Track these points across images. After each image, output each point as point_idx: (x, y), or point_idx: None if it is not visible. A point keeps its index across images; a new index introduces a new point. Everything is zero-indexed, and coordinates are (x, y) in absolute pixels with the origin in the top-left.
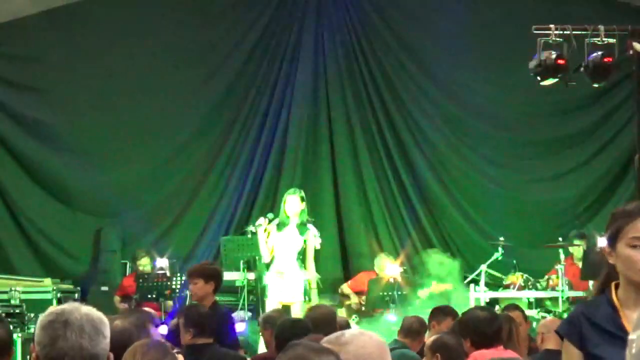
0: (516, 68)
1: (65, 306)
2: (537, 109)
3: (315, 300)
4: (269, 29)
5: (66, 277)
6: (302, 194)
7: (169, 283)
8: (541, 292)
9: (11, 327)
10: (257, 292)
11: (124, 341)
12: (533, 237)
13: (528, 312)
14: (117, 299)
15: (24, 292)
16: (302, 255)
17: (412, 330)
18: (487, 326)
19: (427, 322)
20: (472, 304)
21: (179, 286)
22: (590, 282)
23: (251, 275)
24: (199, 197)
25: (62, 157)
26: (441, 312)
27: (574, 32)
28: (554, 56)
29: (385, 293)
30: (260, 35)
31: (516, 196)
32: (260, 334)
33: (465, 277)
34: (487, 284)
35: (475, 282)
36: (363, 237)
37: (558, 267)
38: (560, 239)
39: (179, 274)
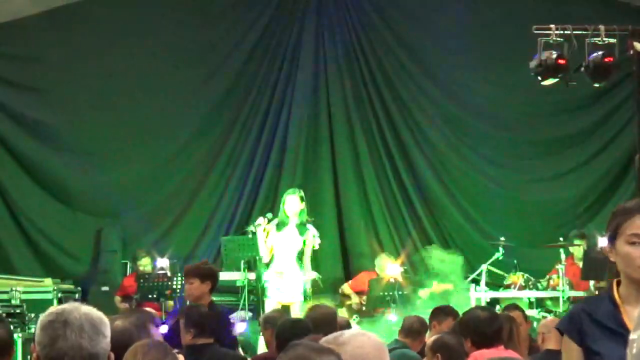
0: (516, 68)
1: (65, 306)
2: (537, 109)
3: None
4: (269, 28)
5: (67, 277)
6: (302, 193)
7: (169, 283)
8: (542, 292)
9: (12, 327)
10: (257, 292)
11: (125, 341)
12: (533, 237)
13: (529, 312)
14: (117, 299)
15: (24, 292)
16: (301, 256)
17: (412, 330)
18: (488, 326)
19: (427, 322)
20: (472, 304)
21: (179, 286)
22: (591, 282)
23: (252, 275)
24: (199, 197)
25: (62, 157)
26: (442, 312)
27: (574, 32)
28: (554, 56)
29: (385, 293)
30: (261, 35)
31: (516, 196)
32: (261, 334)
33: (466, 277)
34: (487, 284)
35: (476, 282)
36: (363, 237)
37: (559, 267)
38: (560, 239)
39: (179, 274)
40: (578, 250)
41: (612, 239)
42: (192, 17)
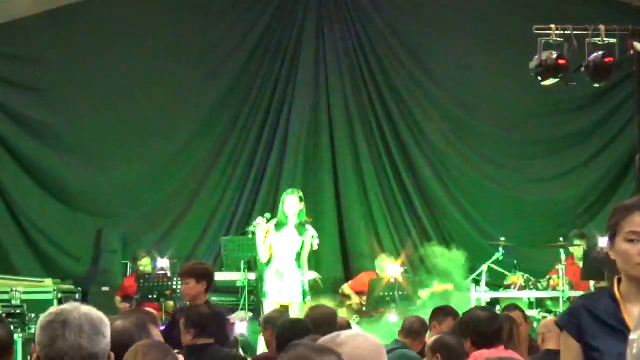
0: (517, 68)
1: (65, 306)
2: (537, 109)
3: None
4: (269, 28)
5: (67, 277)
6: (301, 194)
7: (169, 283)
8: (542, 292)
9: (12, 327)
10: (257, 293)
11: (125, 341)
12: (534, 237)
13: (529, 313)
14: (118, 299)
15: (24, 293)
16: (300, 256)
17: (412, 330)
18: (488, 326)
19: (428, 322)
20: (473, 304)
21: (179, 286)
22: (591, 282)
23: (252, 276)
24: (199, 198)
25: (62, 157)
26: (442, 312)
27: (574, 32)
28: (554, 56)
29: (386, 293)
30: (261, 35)
31: (517, 196)
32: (261, 334)
33: (468, 276)
34: (488, 284)
35: (476, 282)
36: (364, 237)
37: (559, 267)
38: (561, 239)
39: None
40: (578, 250)
41: (612, 237)
42: (192, 17)
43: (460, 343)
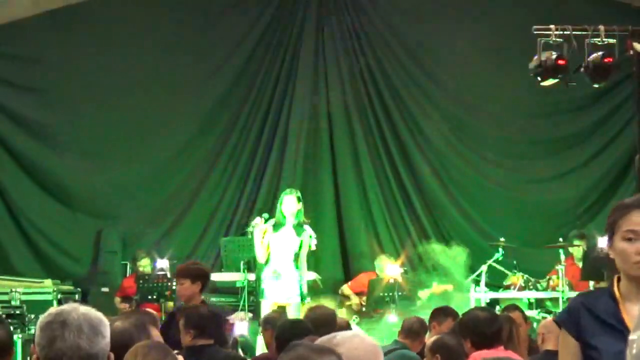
0: (517, 68)
1: (64, 307)
2: (537, 109)
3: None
4: (270, 27)
5: (66, 278)
6: (299, 194)
7: (169, 284)
8: (541, 292)
9: (12, 328)
10: (256, 293)
11: (125, 342)
12: (533, 238)
13: (528, 313)
14: (117, 299)
15: (24, 293)
16: (297, 256)
17: (412, 331)
18: (487, 327)
19: (427, 322)
20: (472, 305)
21: None
22: (591, 283)
23: (252, 276)
24: (199, 198)
25: (62, 157)
26: (442, 312)
27: (574, 33)
28: (554, 56)
29: (385, 294)
30: (261, 34)
31: (516, 196)
32: (261, 334)
33: (469, 275)
34: (487, 285)
35: (476, 282)
36: (363, 237)
37: (558, 267)
38: (560, 239)
39: None
40: (578, 250)
41: (610, 236)
42: (192, 17)
43: (459, 343)
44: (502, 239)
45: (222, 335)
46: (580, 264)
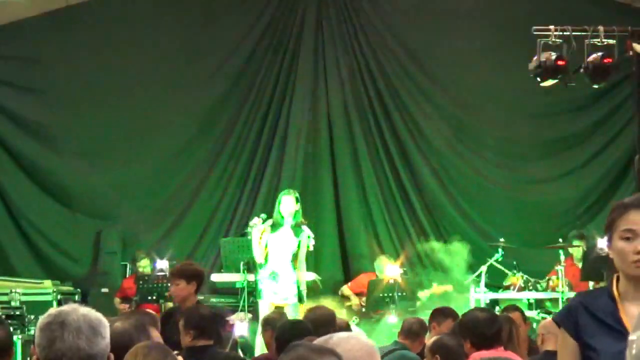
0: (516, 68)
1: (64, 308)
2: (537, 110)
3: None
4: (270, 28)
5: (66, 278)
6: (297, 194)
7: (169, 285)
8: (541, 293)
9: (11, 329)
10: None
11: (124, 343)
12: (533, 238)
13: (528, 313)
14: (117, 300)
15: (24, 294)
16: (295, 257)
17: (412, 331)
18: (487, 327)
19: (427, 323)
20: (472, 305)
21: None
22: (591, 283)
23: (251, 277)
24: (199, 199)
25: (62, 158)
26: (441, 313)
27: (573, 33)
28: (553, 57)
29: (385, 294)
30: (261, 34)
31: (516, 197)
32: (261, 335)
33: (469, 272)
34: (487, 285)
35: (476, 283)
36: (363, 238)
37: (558, 268)
38: (560, 239)
39: None
40: (577, 251)
41: (609, 235)
42: (192, 17)
43: (459, 344)
44: (501, 240)
45: (220, 335)
46: (580, 265)
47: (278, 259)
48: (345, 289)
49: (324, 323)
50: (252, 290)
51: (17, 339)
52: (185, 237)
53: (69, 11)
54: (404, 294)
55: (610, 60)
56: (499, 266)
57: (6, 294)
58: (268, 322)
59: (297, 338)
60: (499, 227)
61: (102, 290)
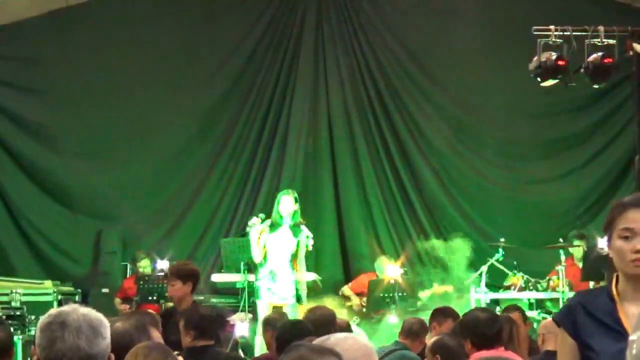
0: (516, 68)
1: (64, 308)
2: (537, 110)
3: (304, 302)
4: (270, 28)
5: (67, 279)
6: (296, 194)
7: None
8: (542, 293)
9: (12, 329)
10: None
11: (125, 343)
12: (533, 238)
13: (529, 314)
14: (117, 300)
15: (24, 294)
16: (294, 257)
17: (412, 331)
18: (488, 327)
19: (427, 323)
20: (472, 305)
21: None
22: (591, 283)
23: (252, 277)
24: (199, 199)
25: (62, 158)
26: (442, 313)
27: (574, 33)
28: (554, 57)
29: (385, 294)
30: (261, 35)
31: (516, 197)
32: (260, 335)
33: (470, 269)
34: (487, 285)
35: (476, 283)
36: (363, 238)
37: (558, 268)
38: (560, 240)
39: None
40: (578, 251)
41: (609, 235)
42: (192, 18)
43: (459, 344)
44: (502, 240)
45: (219, 336)
46: (580, 265)
47: (277, 259)
48: (346, 289)
49: (325, 323)
50: (253, 291)
51: (18, 339)
52: (185, 237)
53: (69, 11)
54: (405, 294)
55: (611, 60)
56: (499, 266)
57: (6, 295)
58: (269, 323)
59: (297, 338)
60: (499, 227)
61: (103, 290)
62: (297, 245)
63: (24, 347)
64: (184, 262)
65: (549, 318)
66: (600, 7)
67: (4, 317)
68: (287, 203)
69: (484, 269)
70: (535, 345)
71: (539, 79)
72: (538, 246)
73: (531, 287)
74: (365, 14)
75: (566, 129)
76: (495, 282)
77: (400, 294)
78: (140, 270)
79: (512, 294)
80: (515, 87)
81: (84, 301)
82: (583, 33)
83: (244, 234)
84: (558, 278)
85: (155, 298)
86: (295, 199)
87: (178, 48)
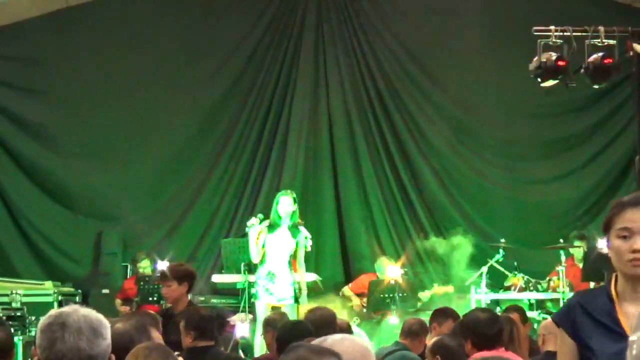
0: (517, 69)
1: (64, 309)
2: (537, 110)
3: (304, 302)
4: (270, 28)
5: (67, 279)
6: (294, 195)
7: None
8: (542, 293)
9: (12, 330)
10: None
11: (125, 344)
12: (534, 239)
13: (529, 314)
14: (118, 301)
15: (25, 295)
16: (292, 258)
17: (412, 332)
18: (488, 328)
19: (428, 324)
20: (473, 306)
21: None
22: (591, 284)
23: (252, 278)
24: (200, 199)
25: (62, 159)
26: (442, 314)
27: (574, 34)
28: (554, 57)
29: (386, 295)
30: (261, 35)
31: (517, 197)
32: (260, 335)
33: (471, 268)
34: (488, 286)
35: (477, 283)
36: (364, 238)
37: (559, 268)
38: (561, 240)
39: None
40: (578, 251)
41: (608, 234)
42: (192, 18)
43: (460, 344)
44: (502, 240)
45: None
46: (580, 265)
47: (275, 259)
48: (346, 290)
49: (325, 324)
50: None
51: (18, 340)
52: (186, 237)
53: (69, 12)
54: (405, 294)
55: (611, 60)
56: (499, 267)
57: (7, 295)
58: (269, 323)
59: (297, 339)
60: (499, 227)
61: (103, 291)
62: (296, 246)
63: (25, 347)
64: (179, 263)
65: (549, 318)
66: (601, 7)
67: (4, 317)
68: (285, 203)
69: (484, 269)
70: (536, 345)
71: (539, 80)
72: (538, 246)
73: (531, 288)
74: (365, 14)
75: (566, 129)
76: (496, 282)
77: (400, 295)
78: (141, 271)
79: (512, 295)
80: (515, 87)
81: (85, 302)
82: (583, 33)
83: (244, 235)
84: (558, 278)
85: (155, 299)
86: (294, 199)
87: (178, 48)
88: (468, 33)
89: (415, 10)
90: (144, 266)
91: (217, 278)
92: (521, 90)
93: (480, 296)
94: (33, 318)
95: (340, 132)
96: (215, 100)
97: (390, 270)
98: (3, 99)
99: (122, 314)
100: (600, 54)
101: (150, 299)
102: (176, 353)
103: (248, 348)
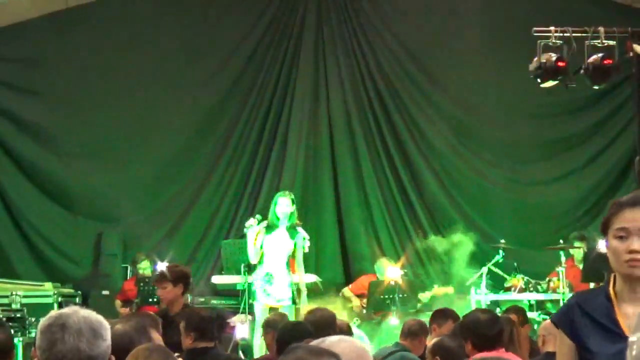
0: (517, 69)
1: (64, 310)
2: (537, 111)
3: (304, 303)
4: (270, 29)
5: (67, 281)
6: (292, 196)
7: None
8: (542, 294)
9: (12, 331)
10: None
11: (125, 345)
12: (534, 239)
13: (529, 315)
14: (118, 303)
15: (25, 296)
16: (290, 259)
17: (412, 332)
18: (488, 328)
19: (428, 325)
20: (473, 307)
21: None
22: (592, 284)
23: (252, 279)
24: (199, 200)
25: (62, 160)
26: (442, 315)
27: (574, 34)
28: (554, 58)
29: (386, 296)
30: (261, 35)
31: (517, 198)
32: (261, 337)
33: (471, 267)
34: (488, 287)
35: (476, 284)
36: (364, 239)
37: (559, 269)
38: (561, 241)
39: None
40: (578, 252)
41: (606, 234)
42: (192, 18)
43: (460, 345)
44: (502, 241)
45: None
46: (580, 266)
47: (273, 260)
48: (346, 291)
49: (325, 325)
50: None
51: (18, 341)
52: (186, 238)
53: (69, 12)
54: (405, 295)
55: (611, 61)
56: (498, 271)
57: (7, 297)
58: (270, 324)
59: (297, 340)
60: (499, 228)
61: (103, 292)
62: (294, 247)
63: (25, 349)
64: (174, 264)
65: (549, 319)
66: (601, 8)
67: (4, 319)
68: (283, 204)
69: (484, 270)
70: (536, 346)
71: (539, 80)
72: (538, 247)
73: (531, 289)
74: (365, 14)
75: (566, 129)
76: (496, 283)
77: (400, 296)
78: (141, 272)
79: (512, 296)
80: (515, 87)
81: (84, 303)
82: (583, 34)
83: (244, 236)
84: (558, 279)
85: (155, 300)
86: (292, 200)
87: (178, 48)
88: (468, 33)
89: (415, 10)
90: (144, 267)
91: (217, 279)
92: (521, 91)
93: (480, 297)
94: (33, 319)
95: (340, 132)
96: (215, 101)
97: (390, 271)
98: (3, 100)
99: (122, 315)
100: (600, 54)
101: (150, 300)
102: (176, 354)
103: (248, 349)
